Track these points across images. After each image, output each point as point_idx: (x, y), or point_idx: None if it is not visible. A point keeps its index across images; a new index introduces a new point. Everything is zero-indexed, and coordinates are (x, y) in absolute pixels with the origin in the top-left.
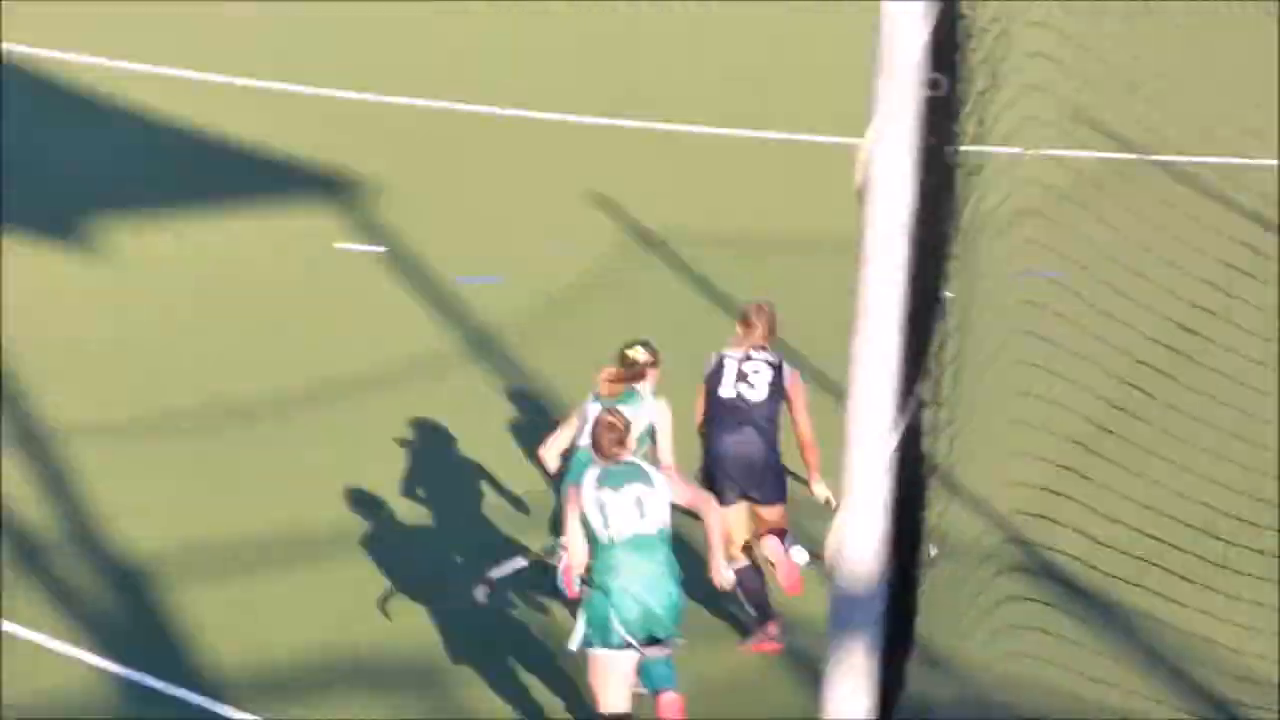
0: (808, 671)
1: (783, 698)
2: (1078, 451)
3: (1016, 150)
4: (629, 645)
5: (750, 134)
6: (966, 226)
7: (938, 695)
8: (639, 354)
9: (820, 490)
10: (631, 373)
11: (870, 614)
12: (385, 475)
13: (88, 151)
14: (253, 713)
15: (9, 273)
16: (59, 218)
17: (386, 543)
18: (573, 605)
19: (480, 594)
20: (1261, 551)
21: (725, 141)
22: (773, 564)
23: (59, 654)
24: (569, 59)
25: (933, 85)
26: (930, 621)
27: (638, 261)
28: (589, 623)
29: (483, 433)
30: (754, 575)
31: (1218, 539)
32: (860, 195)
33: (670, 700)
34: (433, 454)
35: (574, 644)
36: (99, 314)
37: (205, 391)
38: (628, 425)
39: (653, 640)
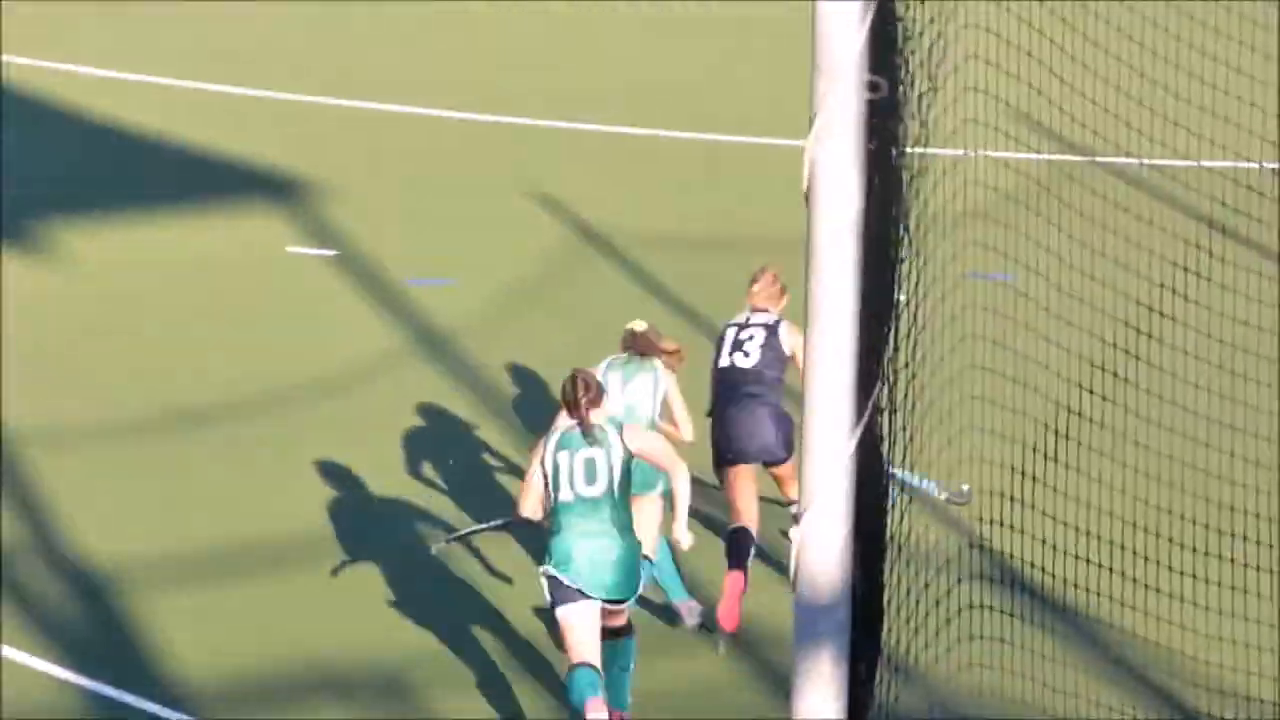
0: (777, 681)
1: (753, 709)
2: (1034, 457)
3: (959, 152)
4: (585, 596)
5: (700, 136)
6: (914, 229)
7: (896, 706)
8: (637, 325)
9: None
10: (633, 343)
11: (836, 622)
12: (343, 479)
13: (37, 156)
14: None
15: None
16: (9, 222)
17: (349, 547)
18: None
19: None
20: (1225, 558)
21: (674, 143)
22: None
23: (21, 665)
24: (518, 61)
25: (872, 88)
26: (890, 630)
27: (588, 262)
28: (548, 554)
29: (439, 433)
30: (748, 535)
31: (1180, 545)
32: (806, 199)
33: None
34: (390, 456)
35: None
36: (51, 319)
37: (160, 397)
38: (600, 387)
39: (607, 600)
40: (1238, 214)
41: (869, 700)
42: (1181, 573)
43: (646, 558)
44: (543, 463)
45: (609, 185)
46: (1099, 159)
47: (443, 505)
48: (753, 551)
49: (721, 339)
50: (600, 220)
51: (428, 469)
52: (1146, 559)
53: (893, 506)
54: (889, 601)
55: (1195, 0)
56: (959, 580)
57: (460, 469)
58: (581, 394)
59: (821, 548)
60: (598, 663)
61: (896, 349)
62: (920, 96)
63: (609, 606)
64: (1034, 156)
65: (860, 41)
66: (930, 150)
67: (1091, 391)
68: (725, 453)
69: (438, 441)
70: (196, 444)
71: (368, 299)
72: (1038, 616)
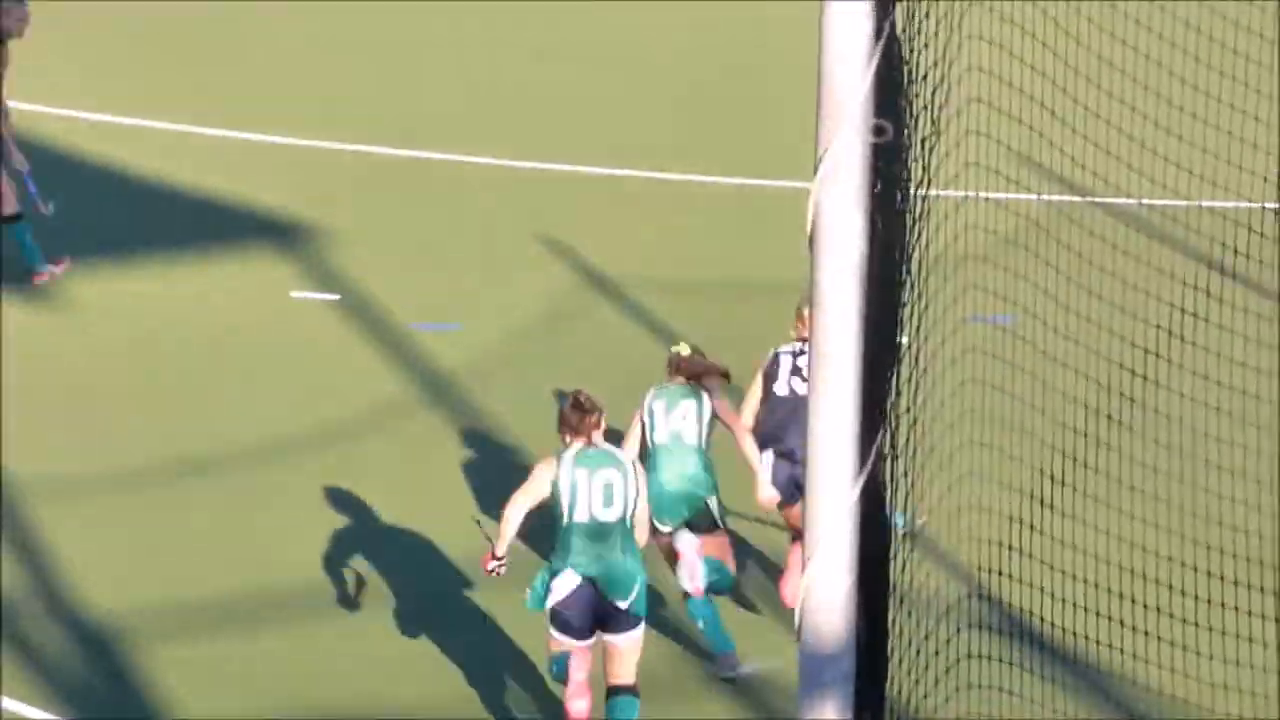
0: None
1: None
2: (1033, 504)
3: (960, 194)
4: (574, 630)
5: (704, 179)
6: (916, 272)
7: None
8: (682, 348)
9: None
10: (678, 367)
11: (840, 671)
12: (348, 526)
13: (54, 199)
14: None
15: None
16: (10, 267)
17: (352, 596)
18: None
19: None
20: (1228, 606)
21: (679, 187)
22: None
23: (22, 717)
24: (524, 106)
25: (877, 132)
26: (891, 679)
27: (594, 307)
28: (536, 595)
29: (445, 479)
30: None
31: (1182, 593)
32: (810, 242)
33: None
34: (396, 501)
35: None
36: (52, 366)
37: (162, 443)
38: (599, 410)
39: (608, 620)
40: (1238, 255)
41: None
42: (1184, 621)
43: (708, 594)
44: (557, 480)
45: (615, 229)
46: (1099, 200)
47: (451, 552)
48: None
49: (775, 367)
50: (606, 264)
51: (434, 515)
52: (1146, 606)
53: (895, 555)
54: (891, 650)
55: (1196, 35)
56: (958, 629)
57: (468, 514)
58: (585, 415)
59: (826, 596)
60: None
61: (898, 393)
62: (923, 140)
63: (612, 639)
64: (1035, 198)
65: (865, 86)
66: (933, 192)
67: (1090, 436)
68: (794, 480)
69: (444, 487)
70: (199, 491)
71: (372, 344)
72: (1038, 665)
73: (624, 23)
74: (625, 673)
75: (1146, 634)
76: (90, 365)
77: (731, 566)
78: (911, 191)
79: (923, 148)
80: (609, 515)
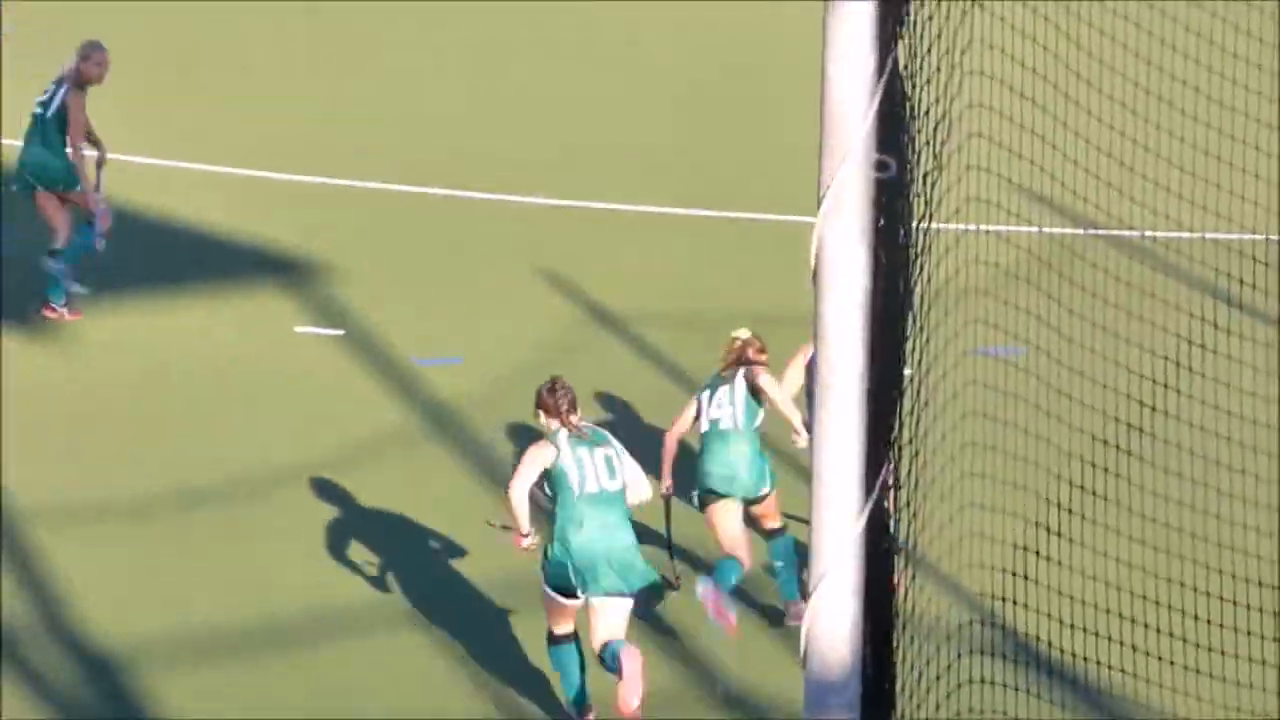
0: None
1: None
2: (1036, 531)
3: (962, 227)
4: (580, 595)
5: (709, 213)
6: (918, 306)
7: None
8: (742, 333)
9: None
10: (736, 355)
11: (846, 700)
12: (350, 558)
13: (41, 239)
14: None
15: None
16: (14, 303)
17: (356, 626)
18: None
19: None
20: (1237, 630)
21: (684, 220)
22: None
23: None
24: (525, 141)
25: (880, 167)
26: (896, 707)
27: (596, 340)
28: (548, 570)
29: (448, 512)
30: None
31: (1195, 618)
32: (814, 277)
33: (630, 653)
34: (398, 535)
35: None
36: (55, 400)
37: (166, 473)
38: (572, 392)
39: (610, 592)
40: (1242, 285)
41: None
42: (1198, 645)
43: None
44: (559, 460)
45: (617, 263)
46: (1100, 232)
47: (453, 583)
48: None
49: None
50: (607, 298)
51: (436, 548)
52: (1159, 631)
53: (899, 583)
54: (896, 677)
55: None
56: (959, 655)
57: (471, 547)
58: (565, 398)
59: (831, 625)
60: (573, 629)
61: (902, 425)
62: (925, 175)
63: (617, 600)
64: (1033, 230)
65: (868, 122)
66: (935, 225)
67: (1095, 465)
68: None
69: (446, 520)
70: (202, 519)
71: (374, 377)
72: (1042, 690)
73: (627, 58)
74: (620, 630)
75: (1160, 659)
76: (95, 397)
77: (778, 521)
78: (914, 226)
79: (924, 183)
80: (614, 485)
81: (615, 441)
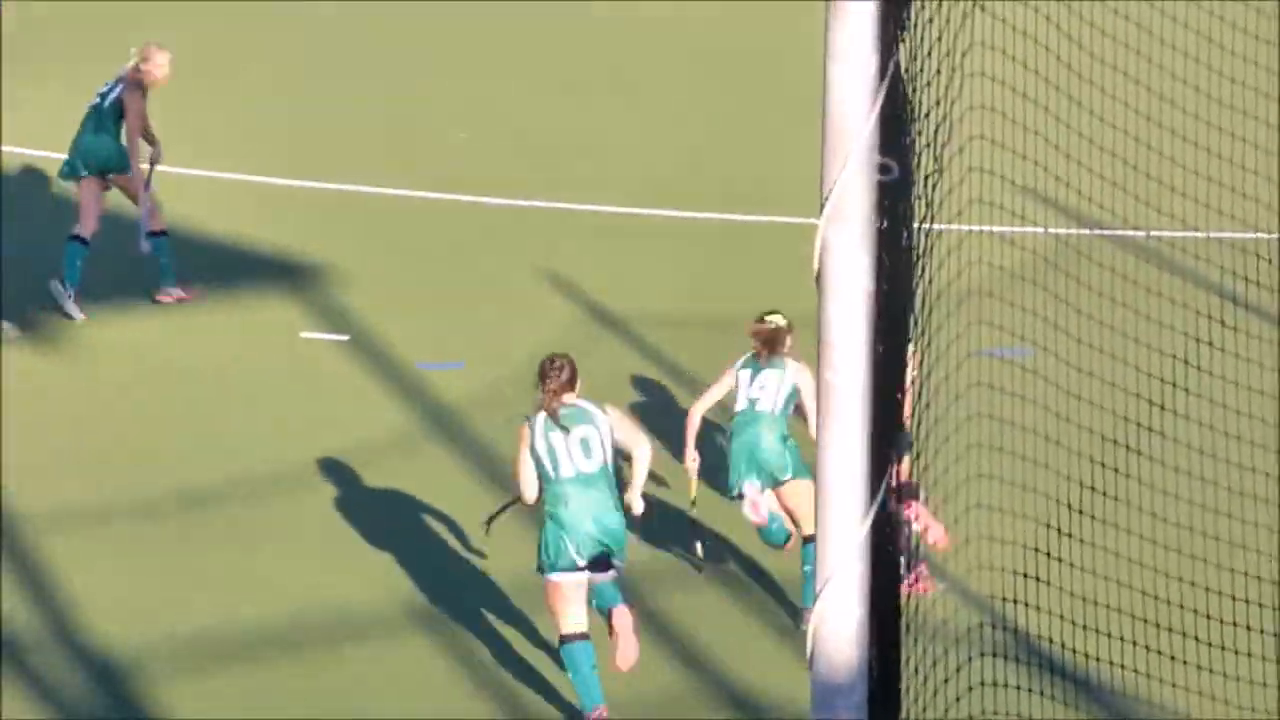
0: None
1: None
2: (1049, 533)
3: (964, 228)
4: (580, 567)
5: (710, 216)
6: (922, 307)
7: None
8: (777, 318)
9: None
10: (768, 338)
11: (853, 703)
12: (355, 561)
13: (49, 243)
14: None
15: None
16: (16, 304)
17: (360, 629)
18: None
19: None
20: (1250, 628)
21: (683, 223)
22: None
23: None
24: (528, 145)
25: (883, 170)
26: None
27: (599, 343)
28: (543, 549)
29: (451, 516)
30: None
31: (1206, 617)
32: (817, 280)
33: (621, 611)
34: (402, 538)
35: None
36: (58, 405)
37: (171, 480)
38: (574, 371)
39: (599, 563)
40: (1247, 282)
41: None
42: (1209, 644)
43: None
44: (533, 447)
45: (619, 266)
46: (1104, 231)
47: (456, 586)
48: None
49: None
50: (609, 301)
51: (439, 551)
52: (1170, 629)
53: (906, 586)
54: (903, 681)
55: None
56: (969, 658)
57: (475, 551)
58: (557, 376)
59: (838, 628)
60: (586, 629)
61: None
62: (927, 178)
63: (597, 576)
64: (1039, 230)
65: (871, 124)
66: (937, 227)
67: (1104, 465)
68: None
69: (450, 524)
70: (206, 526)
71: (379, 382)
72: (1053, 691)
73: (630, 61)
74: (616, 599)
75: (1172, 658)
76: (100, 402)
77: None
78: (916, 227)
79: (926, 184)
80: (590, 466)
81: (600, 418)
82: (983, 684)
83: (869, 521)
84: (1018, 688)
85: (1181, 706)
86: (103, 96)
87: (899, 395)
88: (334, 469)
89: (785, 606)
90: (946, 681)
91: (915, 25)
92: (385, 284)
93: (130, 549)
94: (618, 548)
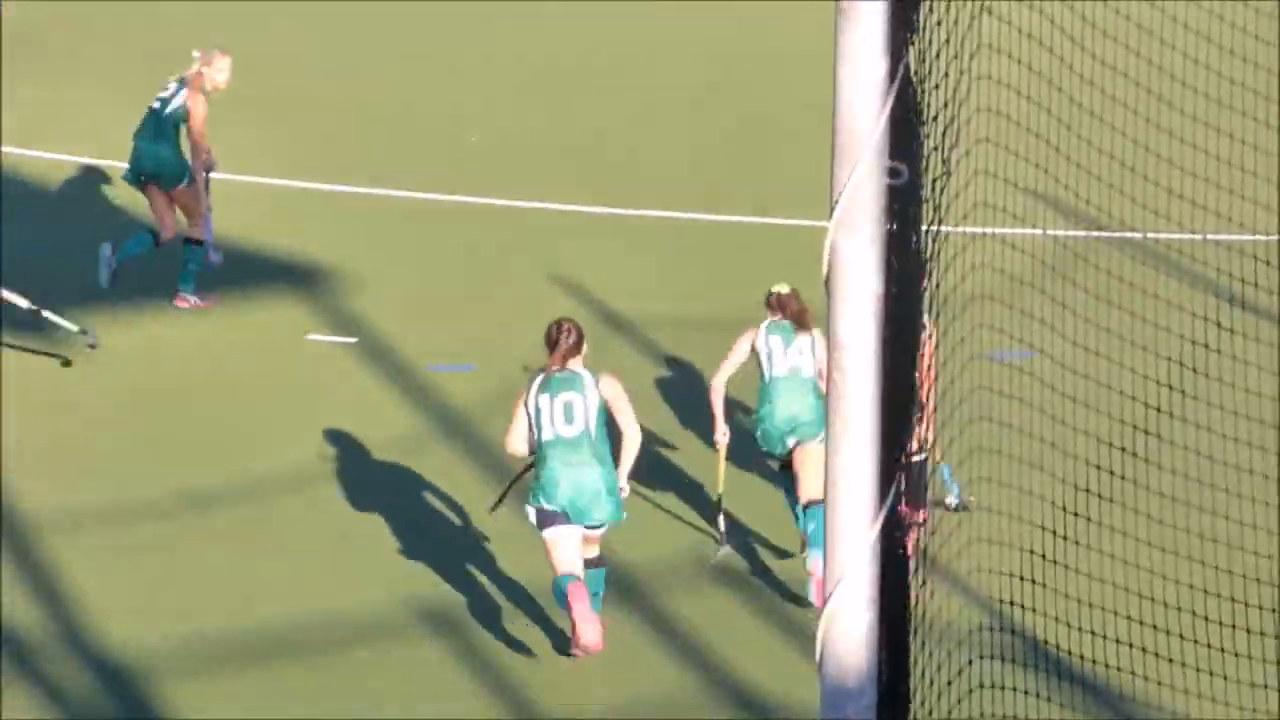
0: None
1: None
2: (1050, 537)
3: (971, 230)
4: (566, 521)
5: (721, 218)
6: (929, 311)
7: None
8: (782, 288)
9: None
10: (784, 305)
11: (863, 706)
12: (362, 564)
13: (54, 246)
14: None
15: None
16: (26, 314)
17: (369, 631)
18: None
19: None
20: (1251, 631)
21: (694, 225)
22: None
23: None
24: (536, 146)
25: (893, 174)
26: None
27: (609, 345)
28: (533, 492)
29: (459, 518)
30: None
31: (1206, 619)
32: (826, 284)
33: (578, 589)
34: (410, 540)
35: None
36: (66, 408)
37: (180, 485)
38: (581, 336)
39: (587, 526)
40: (1244, 285)
41: None
42: (1210, 647)
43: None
44: (525, 405)
45: (629, 268)
46: (1107, 235)
47: (465, 588)
48: None
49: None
50: (617, 303)
51: (448, 553)
52: (1170, 632)
53: (914, 588)
54: (910, 683)
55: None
56: (970, 660)
57: (485, 554)
58: (564, 340)
59: (848, 631)
60: (579, 572)
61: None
62: (934, 181)
63: (588, 532)
64: (1043, 234)
65: (881, 128)
66: (944, 230)
67: (1105, 468)
68: None
69: (459, 525)
70: (213, 529)
71: (388, 384)
72: (1054, 694)
73: (635, 63)
74: (591, 552)
75: (1172, 661)
76: (104, 408)
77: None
78: (924, 230)
79: (934, 188)
80: (570, 431)
81: (590, 386)
82: (983, 686)
83: (879, 524)
84: (1018, 690)
85: (1181, 709)
86: (163, 102)
87: (916, 380)
88: (342, 471)
89: (791, 606)
90: (950, 684)
91: (924, 28)
92: (393, 287)
93: (136, 549)
94: (598, 511)
